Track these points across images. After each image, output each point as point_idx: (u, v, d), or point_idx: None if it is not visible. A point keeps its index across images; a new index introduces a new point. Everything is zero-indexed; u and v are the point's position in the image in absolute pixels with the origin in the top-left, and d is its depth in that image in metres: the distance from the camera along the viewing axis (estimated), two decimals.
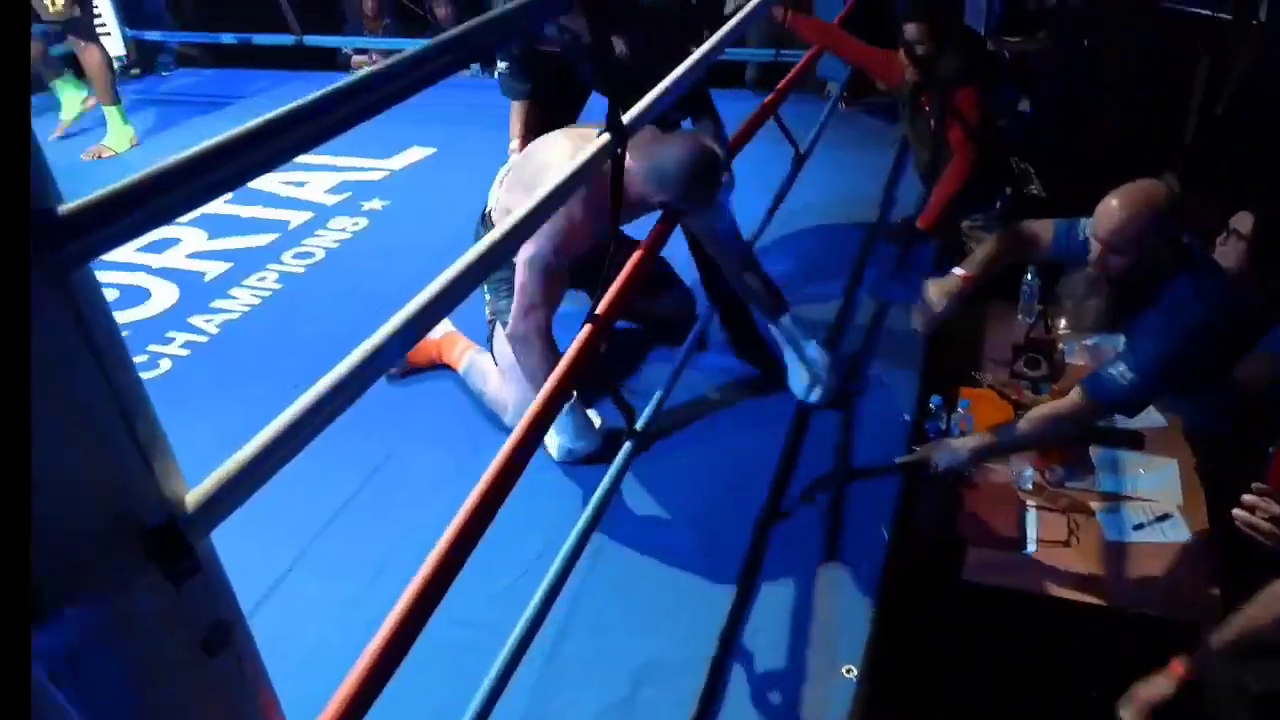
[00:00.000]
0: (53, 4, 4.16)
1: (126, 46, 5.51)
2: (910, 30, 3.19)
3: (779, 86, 3.10)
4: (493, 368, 2.48)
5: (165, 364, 2.84)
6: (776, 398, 2.50)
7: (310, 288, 3.24)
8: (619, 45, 2.38)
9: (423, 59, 1.08)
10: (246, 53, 5.57)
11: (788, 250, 3.21)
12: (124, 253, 3.50)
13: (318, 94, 0.89)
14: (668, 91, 1.79)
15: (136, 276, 3.34)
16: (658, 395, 2.21)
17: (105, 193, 0.69)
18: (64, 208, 0.66)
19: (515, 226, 1.33)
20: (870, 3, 3.98)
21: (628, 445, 1.99)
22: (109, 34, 5.37)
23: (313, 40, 5.37)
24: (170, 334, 2.99)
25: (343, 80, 0.95)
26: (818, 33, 3.59)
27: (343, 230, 3.66)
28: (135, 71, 5.64)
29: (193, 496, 0.80)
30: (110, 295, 3.21)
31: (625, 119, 1.62)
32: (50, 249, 0.66)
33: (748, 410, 2.51)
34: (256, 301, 3.17)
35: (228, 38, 5.51)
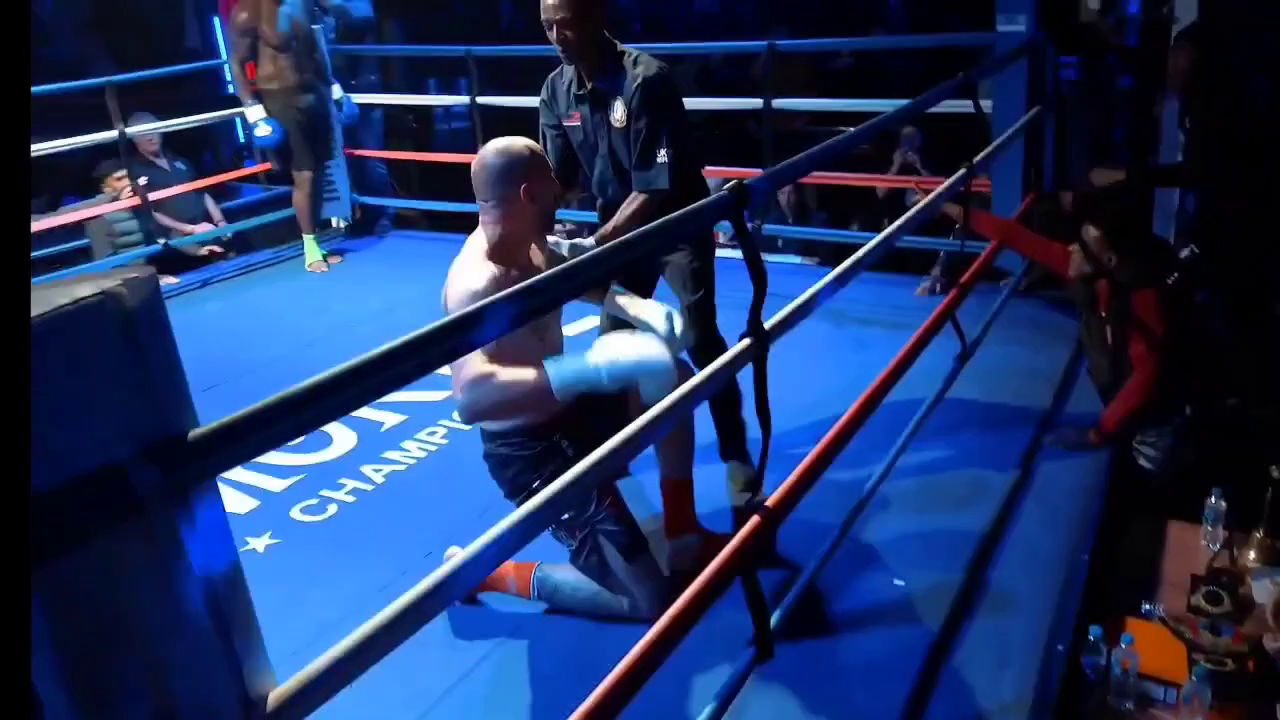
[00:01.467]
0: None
1: (353, 209, 6.14)
2: (1088, 234, 3.13)
3: (962, 281, 3.08)
4: (574, 572, 2.43)
5: (332, 509, 3.03)
6: (904, 616, 2.39)
7: (475, 443, 3.40)
8: None
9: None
10: (459, 218, 6.06)
11: (946, 446, 3.12)
12: None
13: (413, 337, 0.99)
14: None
15: None
16: (799, 585, 2.09)
17: (226, 421, 0.78)
18: (193, 433, 0.76)
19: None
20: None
21: (749, 654, 1.78)
22: (338, 198, 6.01)
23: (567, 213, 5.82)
24: (342, 480, 3.21)
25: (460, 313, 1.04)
26: (996, 229, 3.59)
27: None
28: (353, 230, 6.24)
29: (276, 694, 0.85)
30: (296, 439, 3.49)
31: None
32: (176, 468, 0.75)
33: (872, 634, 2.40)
34: (423, 455, 3.36)
35: (439, 205, 6.04)
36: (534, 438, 2.29)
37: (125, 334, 0.68)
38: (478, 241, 2.25)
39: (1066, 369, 3.70)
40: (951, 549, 2.64)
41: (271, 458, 3.38)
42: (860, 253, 2.27)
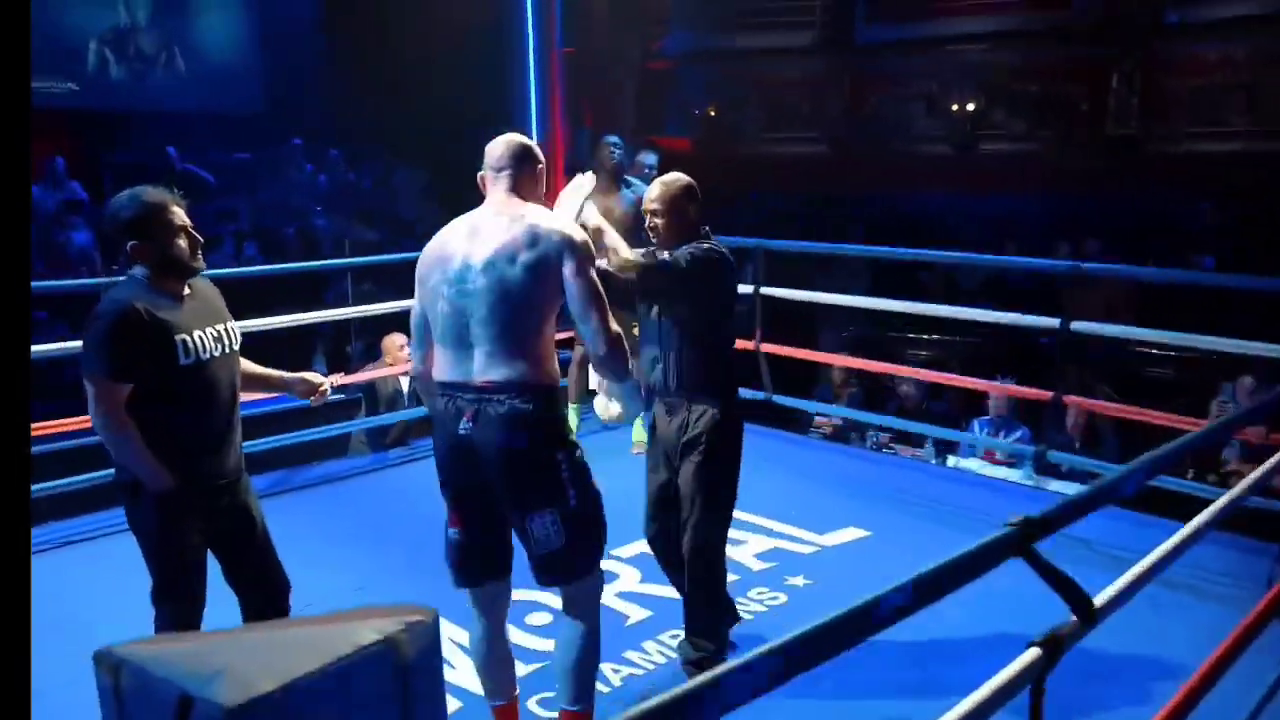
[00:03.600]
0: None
1: None
2: None
3: None
4: None
5: None
6: None
7: None
8: None
9: None
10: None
11: None
12: None
13: None
14: None
15: None
16: None
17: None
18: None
19: None
20: None
21: None
22: None
23: (783, 400, 5.80)
24: None
25: None
26: None
27: (760, 602, 3.71)
28: None
29: None
30: (543, 619, 3.53)
31: None
32: None
33: None
34: (663, 660, 3.28)
35: None
36: None
37: (399, 684, 0.68)
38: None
39: None
40: None
41: (515, 635, 3.43)
42: (1211, 511, 2.03)
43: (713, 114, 13.15)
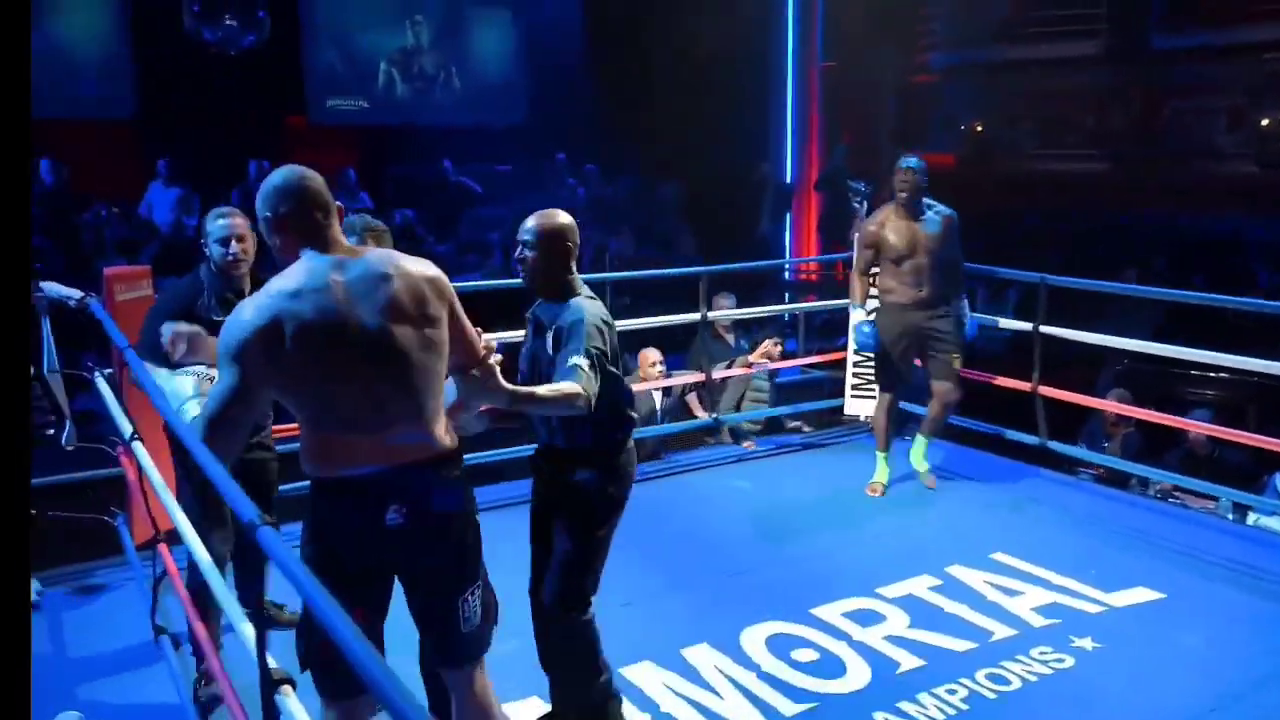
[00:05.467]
0: None
1: None
2: None
3: None
4: None
5: None
6: None
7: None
8: None
9: None
10: (1003, 443, 5.73)
11: None
12: (833, 614, 3.74)
13: None
14: None
15: (839, 645, 3.51)
16: None
17: None
18: None
19: None
20: None
21: None
22: (874, 398, 6.05)
23: (1057, 446, 5.38)
24: None
25: None
26: None
27: (1044, 663, 3.42)
28: None
29: None
30: (809, 655, 3.42)
31: None
32: None
33: None
34: (940, 718, 3.08)
35: (965, 422, 5.76)
36: None
37: None
38: None
39: None
40: None
41: (782, 671, 3.35)
42: None
43: (979, 129, 12.55)
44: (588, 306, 2.75)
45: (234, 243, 3.14)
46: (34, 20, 10.25)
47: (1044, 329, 5.23)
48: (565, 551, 2.81)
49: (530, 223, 2.80)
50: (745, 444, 5.97)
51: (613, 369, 2.76)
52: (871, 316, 5.18)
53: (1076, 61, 11.43)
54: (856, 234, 5.60)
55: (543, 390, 2.59)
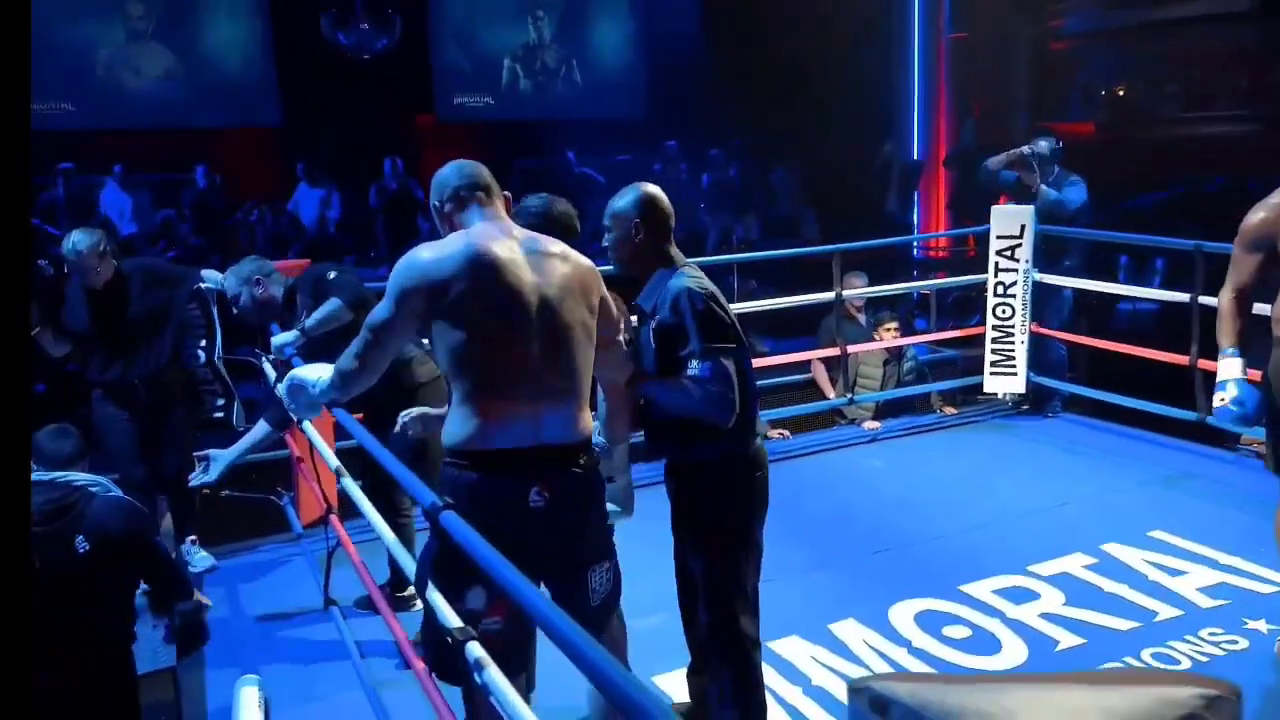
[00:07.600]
0: None
1: (1028, 387, 5.95)
2: None
3: None
4: None
5: None
6: None
7: None
8: None
9: None
10: (1131, 414, 5.50)
11: None
12: (983, 591, 3.65)
13: None
14: None
15: (992, 622, 3.44)
16: None
17: None
18: None
19: None
20: None
21: None
22: (1016, 374, 5.87)
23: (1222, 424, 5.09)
24: None
25: None
26: None
27: (1216, 645, 3.27)
28: (1025, 408, 6.03)
29: None
30: (962, 633, 3.36)
31: None
32: None
33: None
34: None
35: (1111, 397, 5.53)
36: None
37: None
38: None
39: None
40: None
41: (934, 648, 3.30)
42: None
43: (1120, 94, 11.93)
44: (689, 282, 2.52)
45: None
46: (187, 37, 11.03)
47: (1203, 299, 4.93)
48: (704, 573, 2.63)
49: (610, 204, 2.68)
50: (868, 425, 5.86)
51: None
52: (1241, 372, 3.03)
53: (1227, 18, 10.72)
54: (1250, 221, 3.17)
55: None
